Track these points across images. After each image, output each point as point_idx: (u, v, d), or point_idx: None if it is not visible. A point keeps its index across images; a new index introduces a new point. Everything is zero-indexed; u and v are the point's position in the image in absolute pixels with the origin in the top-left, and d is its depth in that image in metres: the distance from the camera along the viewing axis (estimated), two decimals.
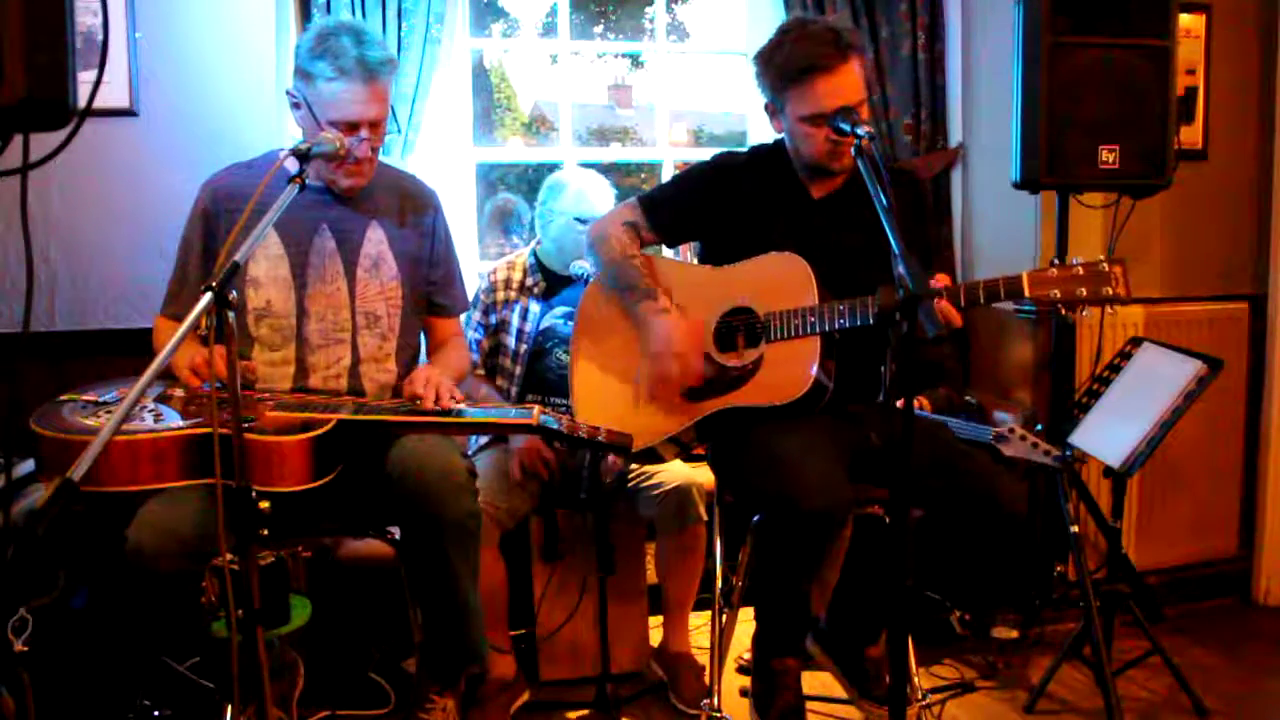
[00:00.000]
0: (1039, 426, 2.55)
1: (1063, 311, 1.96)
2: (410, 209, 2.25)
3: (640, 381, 2.20)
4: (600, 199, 2.70)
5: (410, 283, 2.22)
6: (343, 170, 2.08)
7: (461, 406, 2.00)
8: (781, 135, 2.22)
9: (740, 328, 2.16)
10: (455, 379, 2.20)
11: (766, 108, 2.19)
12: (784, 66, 2.08)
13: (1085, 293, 1.87)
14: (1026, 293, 1.89)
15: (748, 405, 2.10)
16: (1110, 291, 1.86)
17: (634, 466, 2.59)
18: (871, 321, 1.98)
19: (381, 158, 2.26)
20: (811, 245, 2.11)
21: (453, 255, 2.34)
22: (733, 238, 2.20)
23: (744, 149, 2.35)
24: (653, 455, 2.28)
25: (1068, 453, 2.44)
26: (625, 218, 2.30)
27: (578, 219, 2.67)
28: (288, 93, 2.10)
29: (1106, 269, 1.87)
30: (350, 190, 2.14)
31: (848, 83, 2.04)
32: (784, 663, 2.13)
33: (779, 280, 2.11)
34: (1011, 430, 2.43)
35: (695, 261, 2.46)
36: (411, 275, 2.23)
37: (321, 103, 2.02)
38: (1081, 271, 1.88)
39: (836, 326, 2.02)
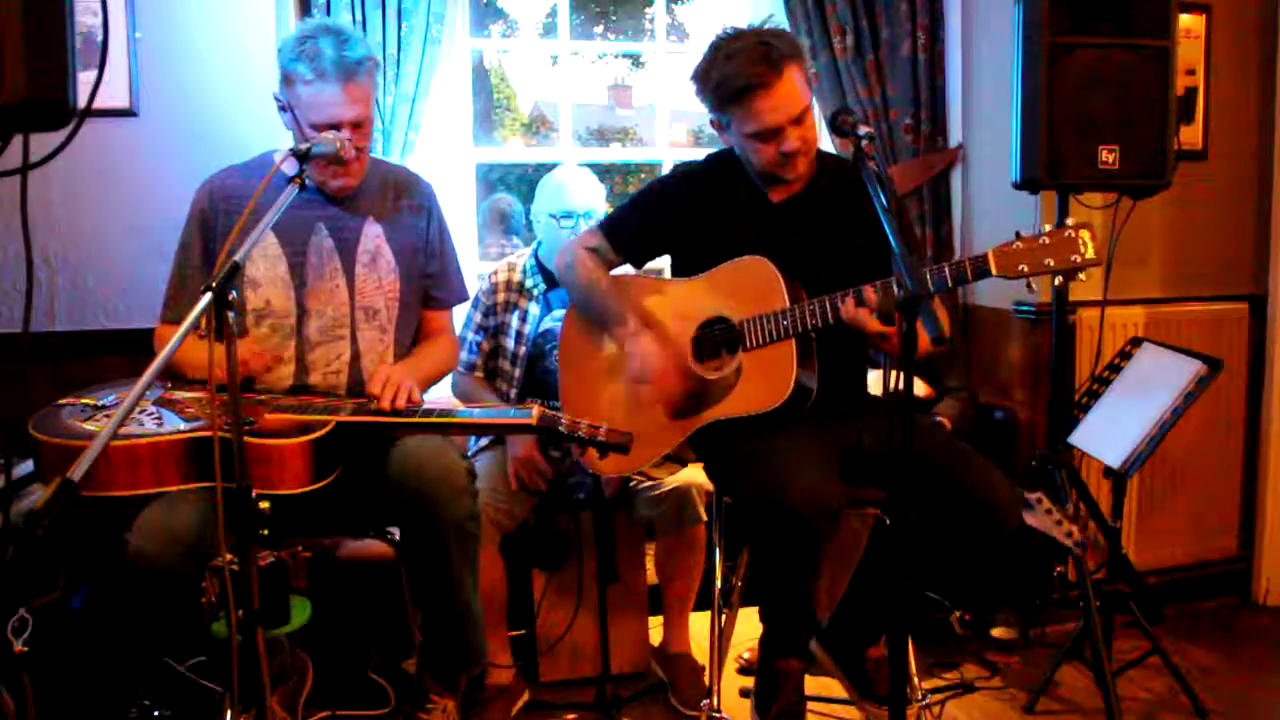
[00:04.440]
0: (1064, 500, 2.50)
1: (1032, 287, 1.90)
2: (405, 203, 2.25)
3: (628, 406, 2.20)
4: (578, 193, 2.68)
5: (408, 276, 2.23)
6: (330, 172, 2.08)
7: (422, 406, 1.99)
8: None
9: (719, 338, 2.15)
10: (430, 375, 2.20)
11: (712, 123, 2.17)
12: (720, 87, 2.05)
13: (1053, 263, 1.82)
14: (994, 270, 1.85)
15: (734, 416, 2.09)
16: (1079, 259, 1.81)
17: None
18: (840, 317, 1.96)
19: (380, 156, 2.26)
20: (775, 249, 2.10)
21: (449, 247, 2.33)
22: (698, 249, 2.20)
23: (699, 160, 2.33)
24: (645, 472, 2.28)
25: (1081, 542, 2.41)
26: (588, 243, 2.29)
27: (553, 215, 2.67)
28: (275, 97, 2.09)
29: (1071, 235, 1.82)
30: (340, 191, 2.14)
31: (787, 94, 2.01)
32: (788, 663, 2.13)
33: (747, 285, 2.10)
34: (1039, 500, 2.37)
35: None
36: (409, 269, 2.23)
37: (302, 106, 2.02)
38: (1047, 240, 1.83)
39: (809, 326, 2.02)
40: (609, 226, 2.30)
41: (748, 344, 2.09)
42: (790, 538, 1.94)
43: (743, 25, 2.09)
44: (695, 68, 2.13)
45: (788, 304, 2.04)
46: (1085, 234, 1.82)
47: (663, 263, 2.50)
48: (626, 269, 2.35)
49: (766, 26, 2.09)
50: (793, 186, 2.19)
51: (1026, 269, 1.84)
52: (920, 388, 2.83)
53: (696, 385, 2.14)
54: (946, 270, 1.90)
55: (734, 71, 2.01)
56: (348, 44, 2.01)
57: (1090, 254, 1.81)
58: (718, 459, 2.20)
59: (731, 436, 2.10)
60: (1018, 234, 1.86)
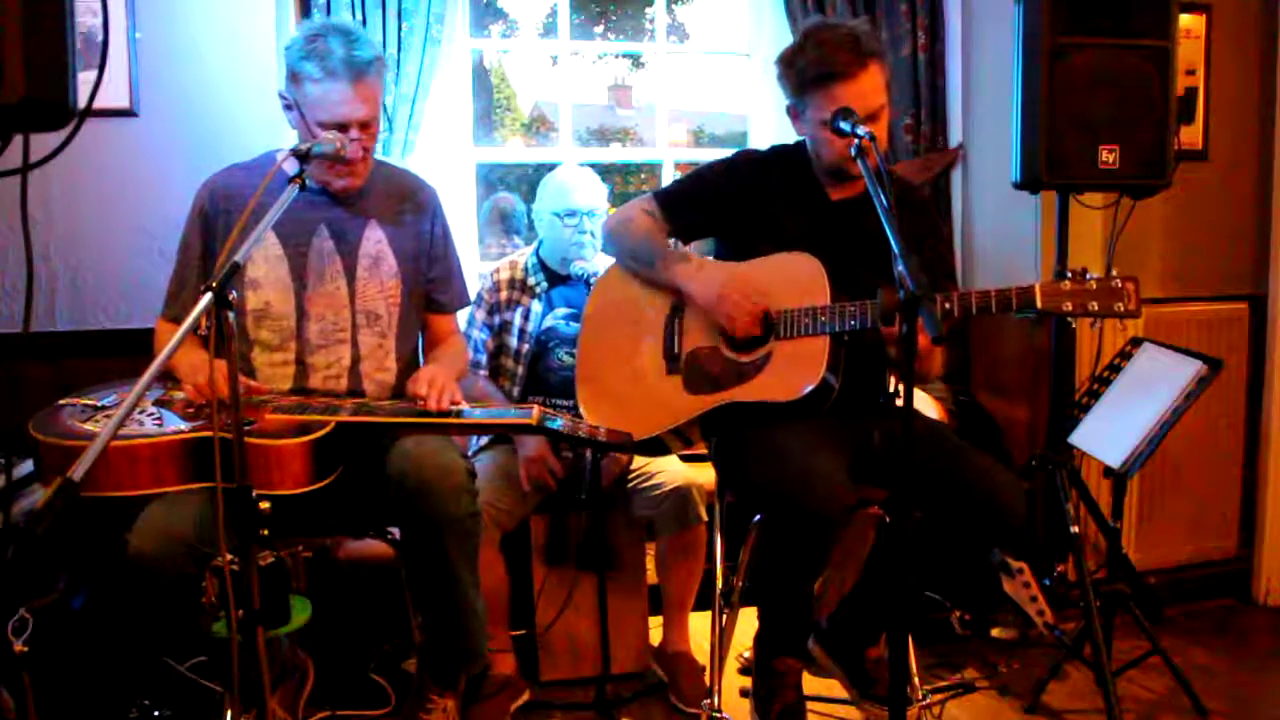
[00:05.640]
0: (1047, 581, 2.53)
1: (1073, 324, 1.97)
2: (408, 207, 2.25)
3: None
4: (583, 192, 2.69)
5: (410, 281, 2.22)
6: (335, 172, 2.08)
7: (463, 407, 2.00)
8: (804, 137, 2.22)
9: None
10: (460, 377, 2.20)
11: (789, 110, 2.19)
12: (805, 71, 2.08)
13: (1097, 307, 1.89)
14: (1039, 304, 1.91)
15: (754, 400, 2.10)
16: (1121, 308, 1.88)
17: (634, 466, 2.59)
18: (880, 324, 1.98)
19: (381, 157, 2.25)
20: (826, 247, 2.11)
21: (452, 251, 2.33)
22: (748, 235, 2.21)
23: (763, 148, 2.35)
24: (658, 445, 2.28)
25: (1059, 632, 2.45)
26: (643, 208, 2.31)
27: (557, 214, 2.67)
28: (280, 95, 2.09)
29: (1119, 285, 1.89)
30: (344, 191, 2.14)
31: (868, 88, 2.05)
32: (786, 663, 2.13)
33: (792, 278, 2.11)
34: (1021, 571, 2.40)
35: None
36: (411, 273, 2.23)
37: (310, 104, 2.01)
38: (1094, 286, 1.89)
39: (846, 328, 2.03)
40: (664, 198, 2.31)
41: (780, 333, 2.10)
42: (803, 534, 1.94)
43: (836, 20, 2.13)
44: (782, 52, 2.16)
45: (829, 303, 2.06)
46: (1131, 287, 1.89)
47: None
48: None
49: (858, 24, 2.14)
50: (852, 188, 2.21)
51: (1070, 307, 1.90)
52: (935, 410, 2.83)
53: (722, 364, 2.14)
54: (992, 296, 1.93)
55: (821, 57, 2.05)
56: (357, 44, 2.01)
57: (1133, 306, 1.89)
58: (730, 445, 2.20)
59: (746, 424, 2.10)
60: (1067, 275, 1.92)
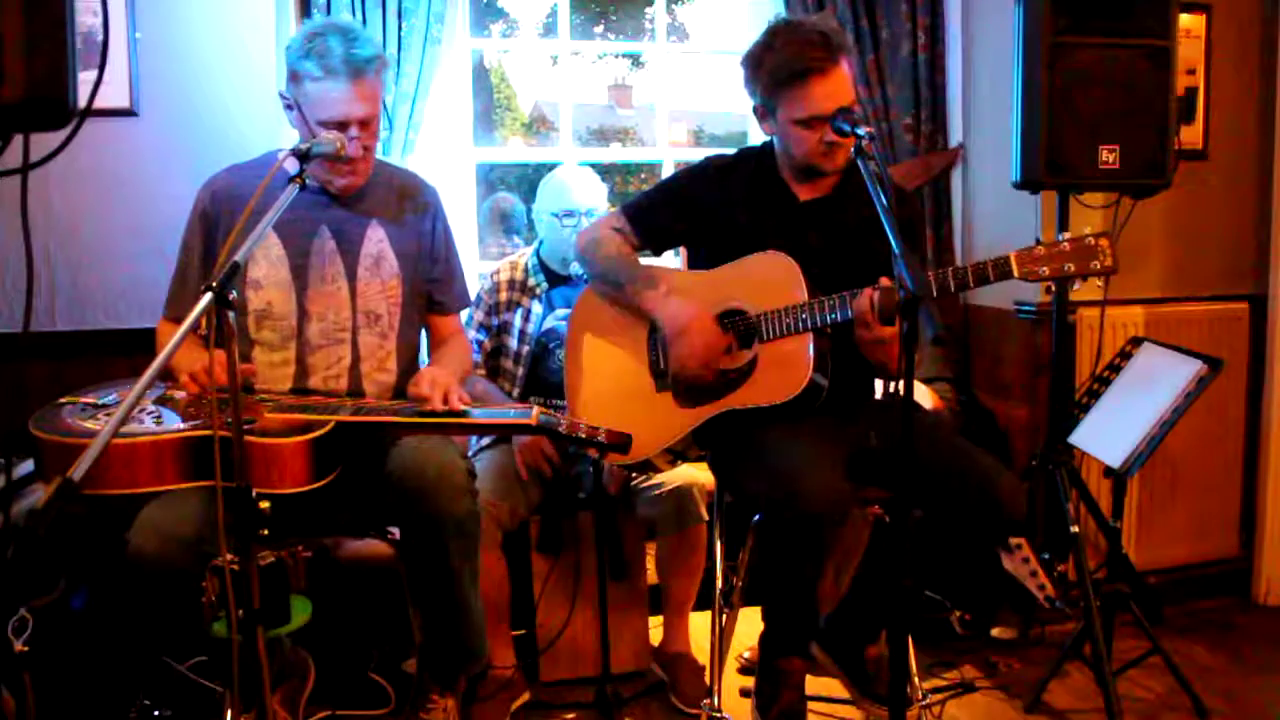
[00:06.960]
0: (1045, 555, 2.53)
1: (1052, 289, 1.95)
2: (409, 207, 2.25)
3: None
4: (581, 192, 2.69)
5: (410, 280, 2.22)
6: (336, 171, 2.08)
7: (467, 408, 1.99)
8: (771, 137, 2.22)
9: (735, 329, 2.16)
10: (459, 378, 2.20)
11: (756, 110, 2.18)
12: (775, 70, 2.06)
13: (1073, 268, 1.88)
14: (1015, 273, 1.89)
15: (745, 407, 2.10)
16: (1098, 265, 1.87)
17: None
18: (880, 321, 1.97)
19: (381, 157, 2.25)
20: (798, 247, 2.10)
21: (453, 252, 2.33)
22: (719, 241, 2.20)
23: (732, 152, 2.34)
24: (648, 465, 2.28)
25: (1059, 604, 2.45)
26: (612, 224, 2.29)
27: (555, 214, 2.68)
28: (280, 94, 2.09)
29: (1092, 243, 1.88)
30: (345, 190, 2.14)
31: (840, 84, 2.04)
32: (789, 663, 2.13)
33: (767, 279, 2.10)
34: (1019, 547, 2.40)
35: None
36: (412, 273, 2.23)
37: (310, 103, 2.01)
38: (1068, 247, 1.88)
39: (827, 321, 2.02)
40: (633, 211, 2.29)
41: (764, 336, 2.10)
42: (798, 535, 1.94)
43: (799, 17, 2.11)
44: (746, 52, 2.14)
45: (807, 299, 2.05)
46: (1105, 243, 1.88)
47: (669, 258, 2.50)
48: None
49: (824, 20, 2.13)
50: (821, 186, 2.20)
51: (1047, 272, 1.89)
52: (929, 399, 2.83)
53: (709, 375, 2.14)
54: (969, 270, 1.93)
55: (793, 56, 2.03)
56: (357, 42, 2.01)
57: (1109, 262, 1.87)
58: (725, 453, 2.20)
59: (740, 430, 2.10)
60: (1038, 239, 1.91)
